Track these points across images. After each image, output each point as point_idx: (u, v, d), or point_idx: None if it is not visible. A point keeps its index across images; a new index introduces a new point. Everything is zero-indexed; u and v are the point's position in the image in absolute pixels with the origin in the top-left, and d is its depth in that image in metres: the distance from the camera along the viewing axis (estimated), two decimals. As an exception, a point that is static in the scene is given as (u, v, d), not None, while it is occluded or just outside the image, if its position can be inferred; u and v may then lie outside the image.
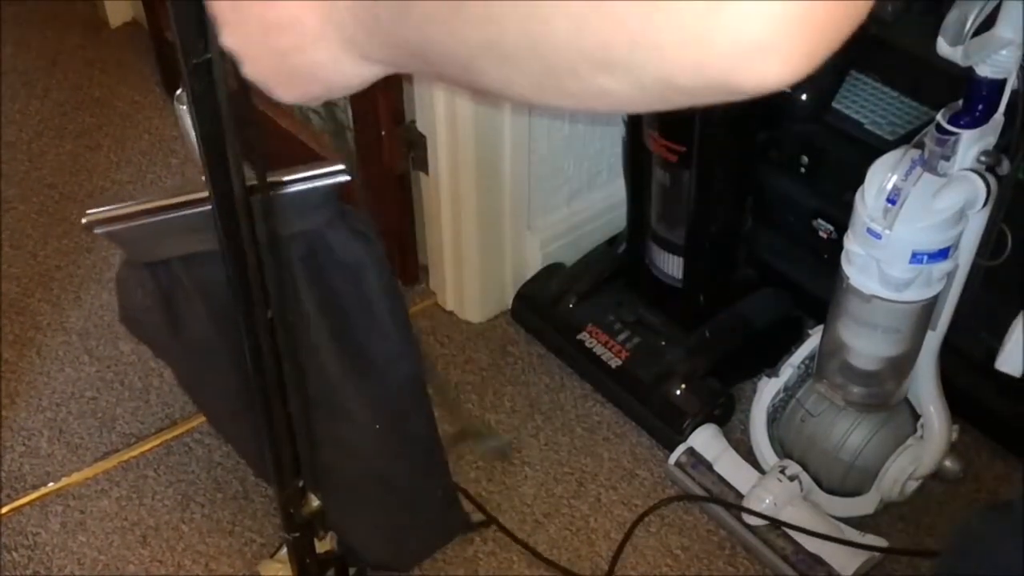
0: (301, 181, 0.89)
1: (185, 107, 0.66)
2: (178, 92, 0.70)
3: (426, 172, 1.51)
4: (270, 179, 0.79)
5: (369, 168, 1.56)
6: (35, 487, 1.37)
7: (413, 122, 1.49)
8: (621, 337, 1.45)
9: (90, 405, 1.49)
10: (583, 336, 1.48)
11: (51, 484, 1.38)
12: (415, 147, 1.50)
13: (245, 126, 0.68)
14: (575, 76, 0.32)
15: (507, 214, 1.47)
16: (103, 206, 0.86)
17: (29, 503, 1.35)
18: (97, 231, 0.85)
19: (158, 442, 1.43)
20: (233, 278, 0.71)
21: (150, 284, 0.91)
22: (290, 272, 0.92)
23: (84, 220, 0.85)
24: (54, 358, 1.56)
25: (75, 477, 1.39)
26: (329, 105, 1.63)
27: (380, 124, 1.47)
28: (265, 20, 0.43)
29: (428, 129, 1.45)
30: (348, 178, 0.90)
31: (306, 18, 0.41)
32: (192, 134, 0.65)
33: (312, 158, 1.63)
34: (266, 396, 0.82)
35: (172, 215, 0.86)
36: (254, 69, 0.46)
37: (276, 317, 0.79)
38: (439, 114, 1.39)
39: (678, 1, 0.28)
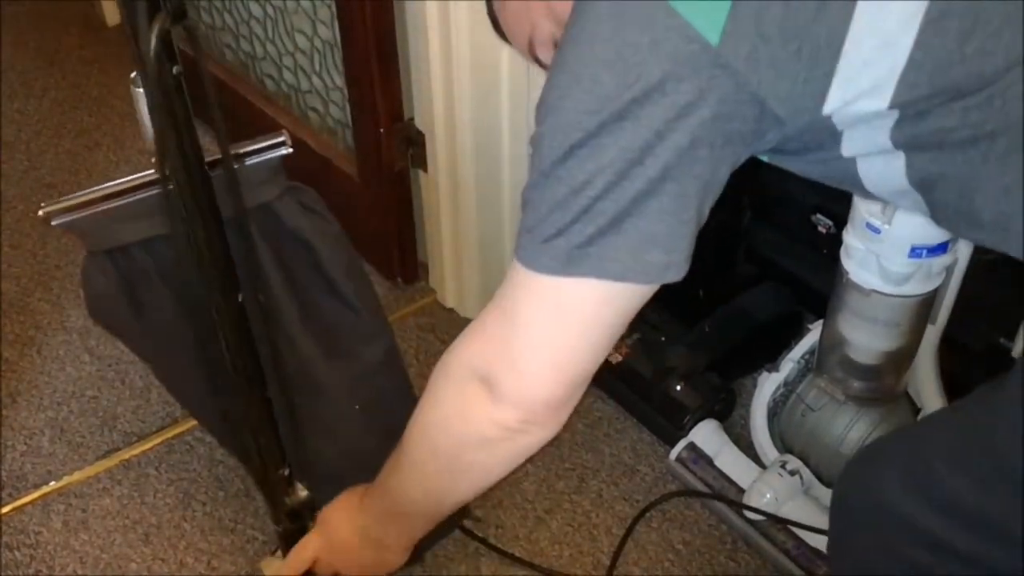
0: (247, 155, 0.89)
1: (141, 89, 0.66)
2: (132, 75, 0.70)
3: (425, 169, 1.51)
4: (212, 157, 0.79)
5: (368, 165, 1.56)
6: (37, 486, 1.37)
7: (412, 120, 1.49)
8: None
9: (91, 404, 1.49)
10: (583, 332, 1.48)
11: (53, 483, 1.38)
12: (414, 144, 1.50)
13: (203, 103, 0.68)
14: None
15: (506, 210, 1.47)
16: (54, 201, 0.86)
17: (31, 502, 1.35)
18: (54, 223, 0.85)
19: (159, 440, 1.43)
20: (198, 260, 0.72)
21: (111, 272, 0.91)
22: (253, 250, 0.92)
23: (40, 213, 0.85)
24: (55, 357, 1.56)
25: (76, 476, 1.39)
26: (328, 103, 1.64)
27: (379, 122, 1.47)
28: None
29: (427, 127, 1.45)
30: (290, 150, 0.91)
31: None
32: (146, 114, 0.66)
33: (312, 156, 1.64)
34: (243, 381, 0.83)
35: (127, 200, 0.86)
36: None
37: (247, 299, 0.80)
38: (438, 112, 1.39)
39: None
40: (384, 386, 1.11)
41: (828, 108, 0.61)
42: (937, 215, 0.67)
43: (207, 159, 0.74)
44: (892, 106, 0.60)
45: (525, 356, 0.69)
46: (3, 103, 2.09)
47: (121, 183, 0.87)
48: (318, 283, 1.00)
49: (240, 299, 0.79)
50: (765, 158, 0.71)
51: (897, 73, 0.59)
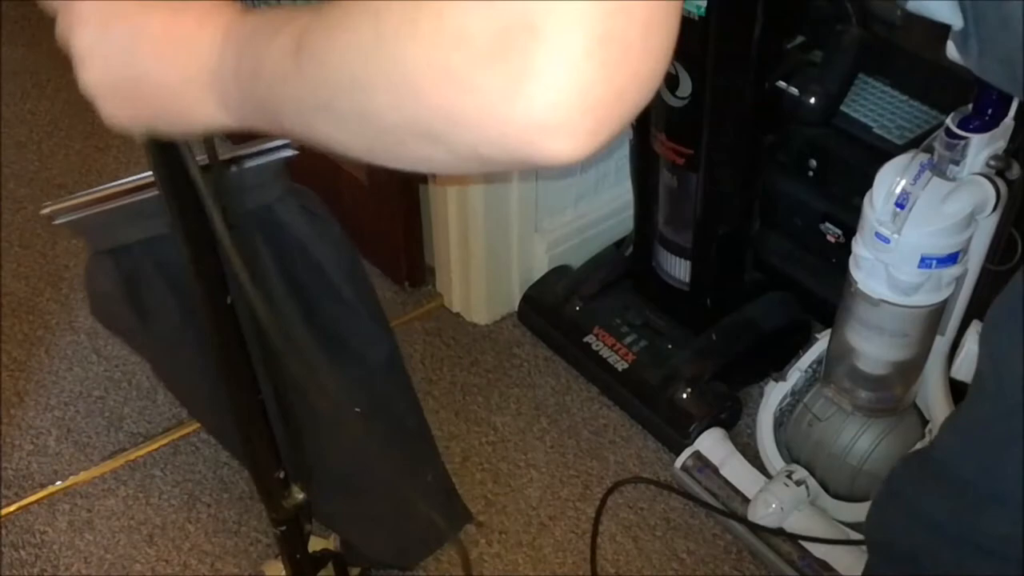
0: (249, 157, 0.89)
1: None
2: None
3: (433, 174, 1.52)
4: (221, 157, 0.79)
5: (376, 170, 1.56)
6: (43, 485, 1.38)
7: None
8: (628, 340, 1.45)
9: (98, 404, 1.49)
10: (590, 339, 1.47)
11: (58, 483, 1.38)
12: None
13: None
14: (400, 143, 0.37)
15: (514, 216, 1.47)
16: (57, 200, 0.86)
17: (36, 501, 1.36)
18: (57, 222, 0.85)
19: (165, 441, 1.44)
20: (189, 262, 0.71)
21: (113, 272, 0.91)
22: (253, 250, 0.92)
23: (43, 211, 0.85)
24: (62, 357, 1.57)
25: (82, 476, 1.39)
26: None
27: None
28: (147, 32, 0.46)
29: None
30: (294, 152, 0.91)
31: (194, 45, 0.44)
32: None
33: (321, 161, 1.64)
34: (234, 383, 0.82)
35: (131, 199, 0.86)
36: (98, 71, 0.48)
37: (237, 300, 0.79)
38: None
39: (483, 86, 0.33)
40: (386, 389, 1.11)
41: None
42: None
43: (205, 161, 0.74)
44: None
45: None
46: (15, 104, 2.10)
47: (125, 183, 0.87)
48: (319, 285, 1.00)
49: (229, 301, 0.79)
50: None
51: None
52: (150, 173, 0.80)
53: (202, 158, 0.74)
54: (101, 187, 0.87)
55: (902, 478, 0.84)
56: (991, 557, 0.71)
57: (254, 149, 0.90)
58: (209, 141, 0.72)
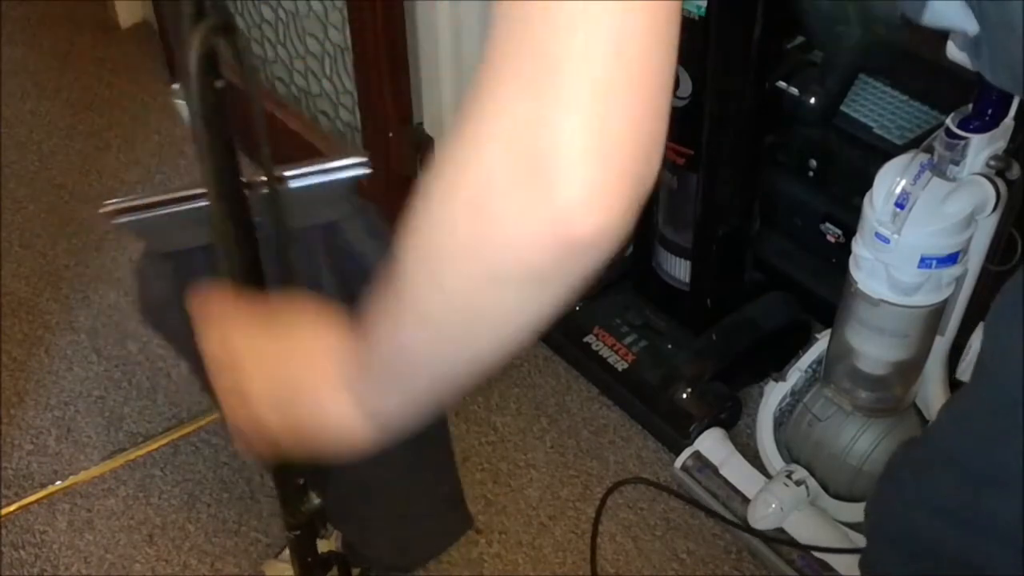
0: (318, 174, 0.89)
1: (183, 101, 0.66)
2: (174, 86, 0.70)
3: (434, 174, 1.51)
4: (291, 171, 0.78)
5: (377, 169, 1.56)
6: (42, 485, 1.38)
7: (421, 124, 1.50)
8: (628, 340, 1.45)
9: (98, 404, 1.50)
10: (590, 339, 1.47)
11: (58, 482, 1.38)
12: (423, 149, 1.51)
13: (247, 119, 0.68)
14: (481, 302, 0.44)
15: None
16: (117, 199, 0.86)
17: (36, 501, 1.36)
18: (116, 221, 0.85)
19: (165, 441, 1.44)
20: (235, 275, 0.71)
21: (170, 276, 0.91)
22: (315, 266, 0.92)
23: (101, 211, 0.85)
24: (62, 357, 1.57)
25: (82, 476, 1.39)
26: (337, 106, 1.64)
27: (388, 126, 1.48)
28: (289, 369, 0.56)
29: (436, 131, 1.45)
30: (369, 171, 0.90)
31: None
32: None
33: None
34: None
35: (188, 206, 0.86)
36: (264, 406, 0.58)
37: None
38: (447, 116, 1.39)
39: (515, 211, 0.40)
40: None
41: None
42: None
43: (270, 175, 0.74)
44: None
45: (575, 85, 0.39)
46: (16, 103, 2.10)
47: (182, 191, 0.87)
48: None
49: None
50: None
51: None
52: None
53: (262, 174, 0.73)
54: (158, 192, 0.87)
55: (901, 464, 0.85)
56: (993, 539, 0.73)
57: (324, 166, 0.89)
58: (265, 156, 0.71)
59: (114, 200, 0.85)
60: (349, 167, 0.89)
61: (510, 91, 0.40)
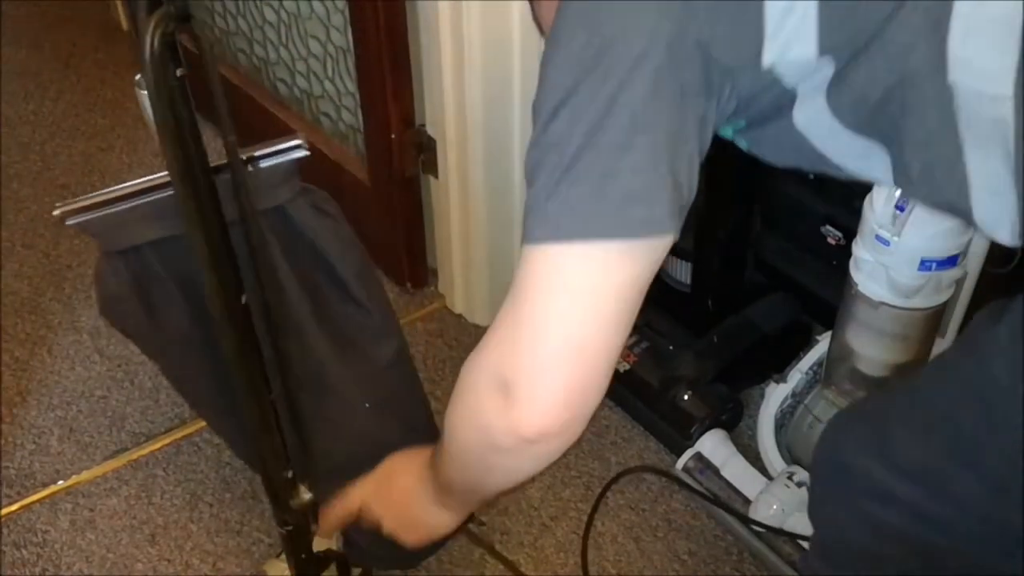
0: (263, 158, 0.90)
1: (144, 91, 0.66)
2: (137, 77, 0.71)
3: (436, 175, 1.52)
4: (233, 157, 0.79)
5: (379, 171, 1.56)
6: (45, 485, 1.38)
7: (423, 125, 1.50)
8: (629, 341, 1.46)
9: (100, 404, 1.50)
10: (591, 340, 1.48)
11: (61, 482, 1.39)
12: (425, 150, 1.51)
13: (214, 104, 0.68)
14: (486, 466, 0.75)
15: (516, 217, 1.47)
16: (71, 200, 0.87)
17: (39, 500, 1.36)
18: (68, 223, 0.86)
19: (167, 441, 1.44)
20: (203, 261, 0.72)
21: (124, 272, 0.92)
22: (266, 251, 0.93)
23: (55, 212, 0.86)
24: (65, 357, 1.57)
25: (84, 475, 1.39)
26: (340, 108, 1.64)
27: (390, 127, 1.48)
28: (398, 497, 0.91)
29: (438, 132, 1.46)
30: (307, 153, 0.92)
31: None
32: (151, 115, 0.66)
33: (323, 161, 1.64)
34: (246, 383, 0.83)
35: (140, 201, 0.87)
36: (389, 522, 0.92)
37: (253, 299, 0.80)
38: (449, 117, 1.40)
39: (490, 411, 0.67)
40: (394, 384, 1.11)
41: (767, 59, 0.63)
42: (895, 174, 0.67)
43: (220, 162, 0.75)
44: (822, 52, 0.61)
45: (536, 348, 0.65)
46: (18, 104, 2.11)
47: (136, 184, 0.88)
48: (330, 284, 1.01)
49: (244, 301, 0.79)
50: (742, 143, 0.74)
51: (813, 15, 0.61)
52: (160, 175, 0.81)
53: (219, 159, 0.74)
54: (112, 188, 0.88)
55: (861, 416, 0.88)
56: (950, 504, 0.75)
57: (267, 150, 0.90)
58: (229, 140, 0.72)
59: (67, 201, 0.86)
60: (288, 150, 0.91)
61: (495, 342, 0.67)
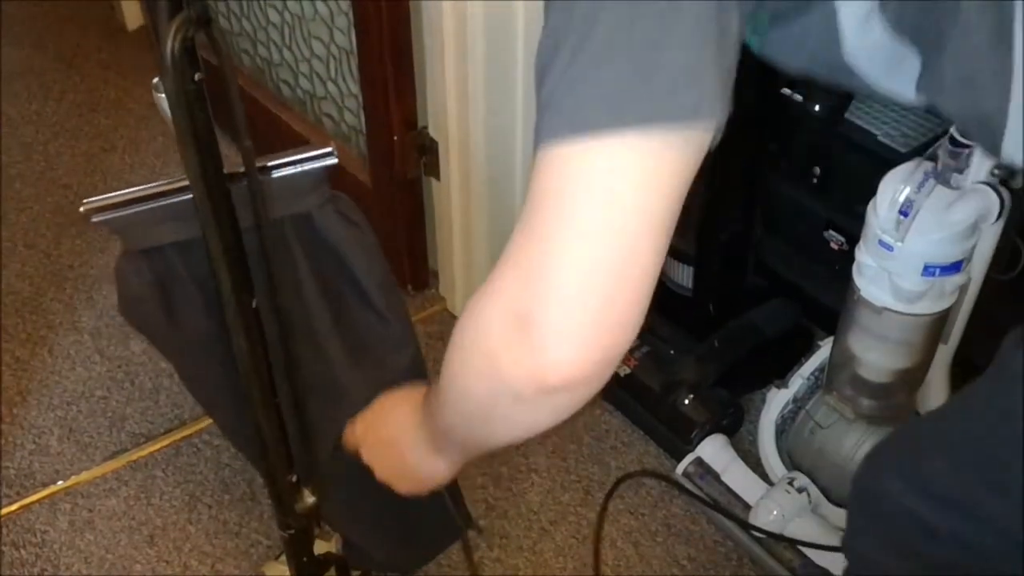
0: (290, 165, 0.90)
1: (163, 95, 0.66)
2: (155, 80, 0.71)
3: (437, 178, 1.52)
4: (260, 164, 0.79)
5: (381, 172, 1.56)
6: (44, 485, 1.38)
7: (425, 128, 1.50)
8: (630, 345, 1.45)
9: (100, 404, 1.50)
10: (592, 344, 1.47)
11: (60, 482, 1.38)
12: (427, 152, 1.51)
13: (230, 110, 0.69)
14: (491, 414, 0.62)
15: (517, 219, 1.47)
16: (97, 197, 0.87)
17: (38, 501, 1.36)
18: (94, 220, 0.86)
19: (167, 442, 1.44)
20: (216, 265, 0.72)
21: (146, 272, 0.92)
22: (290, 256, 0.93)
23: (82, 209, 0.85)
24: (65, 357, 1.57)
25: (84, 476, 1.39)
26: (342, 109, 1.64)
27: (392, 129, 1.48)
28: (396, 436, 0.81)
29: (440, 135, 1.46)
30: (335, 161, 0.92)
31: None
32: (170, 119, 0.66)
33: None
34: (254, 386, 0.83)
35: (167, 201, 0.87)
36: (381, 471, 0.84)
37: (265, 305, 0.80)
38: (451, 120, 1.39)
39: (509, 358, 0.55)
40: None
41: None
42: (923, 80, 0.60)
43: (241, 168, 0.75)
44: None
45: (564, 270, 0.52)
46: (21, 104, 2.11)
47: (161, 184, 0.88)
48: (352, 292, 1.00)
49: (254, 305, 0.79)
50: (753, 43, 0.65)
51: None
52: (185, 177, 0.81)
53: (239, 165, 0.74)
54: (136, 188, 0.88)
55: (897, 444, 0.88)
56: (988, 531, 0.74)
57: (295, 157, 0.90)
58: (246, 147, 0.72)
59: (94, 198, 0.85)
60: (317, 158, 0.91)
61: (508, 272, 0.55)
